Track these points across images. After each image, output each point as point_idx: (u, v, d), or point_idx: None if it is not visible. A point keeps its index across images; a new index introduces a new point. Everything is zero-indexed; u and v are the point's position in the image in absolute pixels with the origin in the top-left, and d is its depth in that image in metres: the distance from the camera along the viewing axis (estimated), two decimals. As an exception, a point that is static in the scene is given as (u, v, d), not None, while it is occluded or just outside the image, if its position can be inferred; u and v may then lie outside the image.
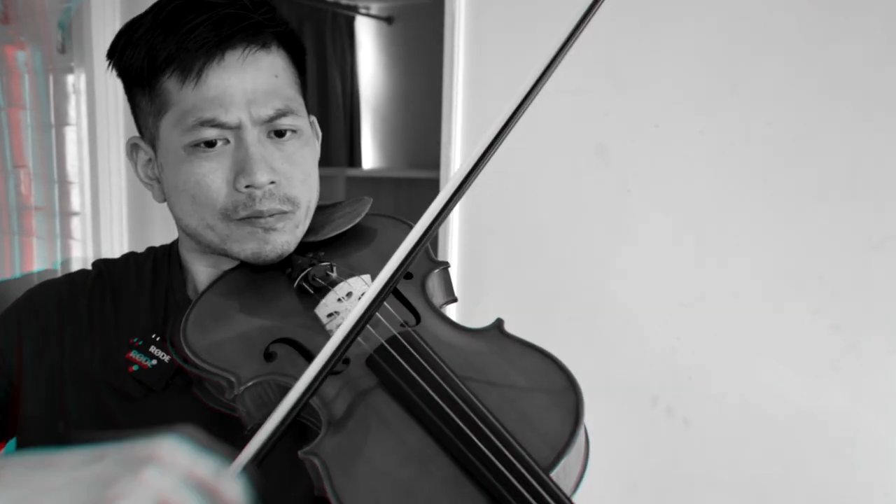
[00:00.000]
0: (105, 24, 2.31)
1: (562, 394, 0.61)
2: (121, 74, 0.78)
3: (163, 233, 2.32)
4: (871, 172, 1.32)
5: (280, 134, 0.76)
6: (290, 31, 0.79)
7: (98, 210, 2.39)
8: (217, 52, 0.72)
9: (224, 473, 0.51)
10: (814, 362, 1.38)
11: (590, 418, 0.62)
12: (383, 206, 3.34)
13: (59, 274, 1.35)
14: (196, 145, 0.73)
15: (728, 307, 1.46)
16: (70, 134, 2.48)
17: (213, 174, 0.74)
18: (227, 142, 0.74)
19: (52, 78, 2.51)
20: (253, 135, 0.74)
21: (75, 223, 2.49)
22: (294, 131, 0.77)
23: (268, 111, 0.74)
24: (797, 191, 1.38)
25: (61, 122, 2.50)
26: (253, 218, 0.75)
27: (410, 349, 0.65)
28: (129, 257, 0.90)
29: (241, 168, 0.73)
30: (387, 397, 0.62)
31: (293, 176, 0.77)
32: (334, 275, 0.75)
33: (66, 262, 2.56)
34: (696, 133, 1.47)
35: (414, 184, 3.42)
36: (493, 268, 1.72)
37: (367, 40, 3.68)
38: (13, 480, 0.49)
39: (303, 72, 0.81)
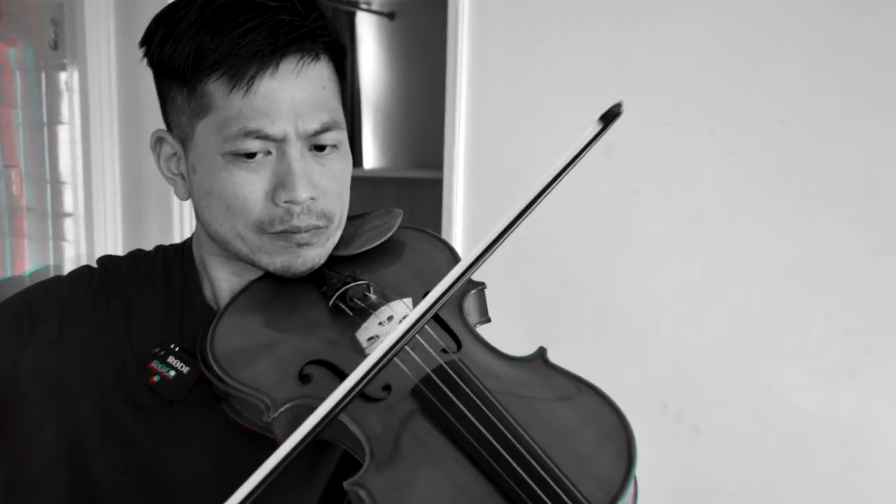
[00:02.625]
0: (99, 20, 2.29)
1: (613, 432, 0.60)
2: (156, 67, 0.75)
3: (158, 234, 2.30)
4: (886, 173, 1.32)
5: (321, 148, 0.74)
6: (338, 39, 0.77)
7: (91, 211, 2.39)
8: (272, 62, 0.70)
9: None
10: (827, 367, 1.38)
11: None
12: (385, 207, 3.30)
13: (52, 273, 1.30)
14: (236, 154, 0.71)
15: (739, 310, 1.46)
16: (63, 133, 2.48)
17: (251, 185, 0.72)
18: (269, 153, 0.72)
19: (44, 75, 2.51)
20: (296, 149, 0.72)
21: (68, 224, 2.48)
22: (335, 146, 0.76)
23: (314, 125, 0.72)
24: (810, 191, 1.38)
25: (54, 120, 2.49)
26: (288, 233, 0.74)
27: (458, 381, 0.64)
28: (137, 255, 0.86)
29: (281, 182, 0.72)
30: (433, 430, 0.62)
31: (330, 191, 0.75)
32: (373, 296, 0.74)
33: (58, 264, 2.54)
34: (707, 132, 1.46)
35: (416, 184, 3.39)
36: (499, 269, 1.70)
37: (369, 36, 3.65)
38: None
39: (343, 79, 0.80)
